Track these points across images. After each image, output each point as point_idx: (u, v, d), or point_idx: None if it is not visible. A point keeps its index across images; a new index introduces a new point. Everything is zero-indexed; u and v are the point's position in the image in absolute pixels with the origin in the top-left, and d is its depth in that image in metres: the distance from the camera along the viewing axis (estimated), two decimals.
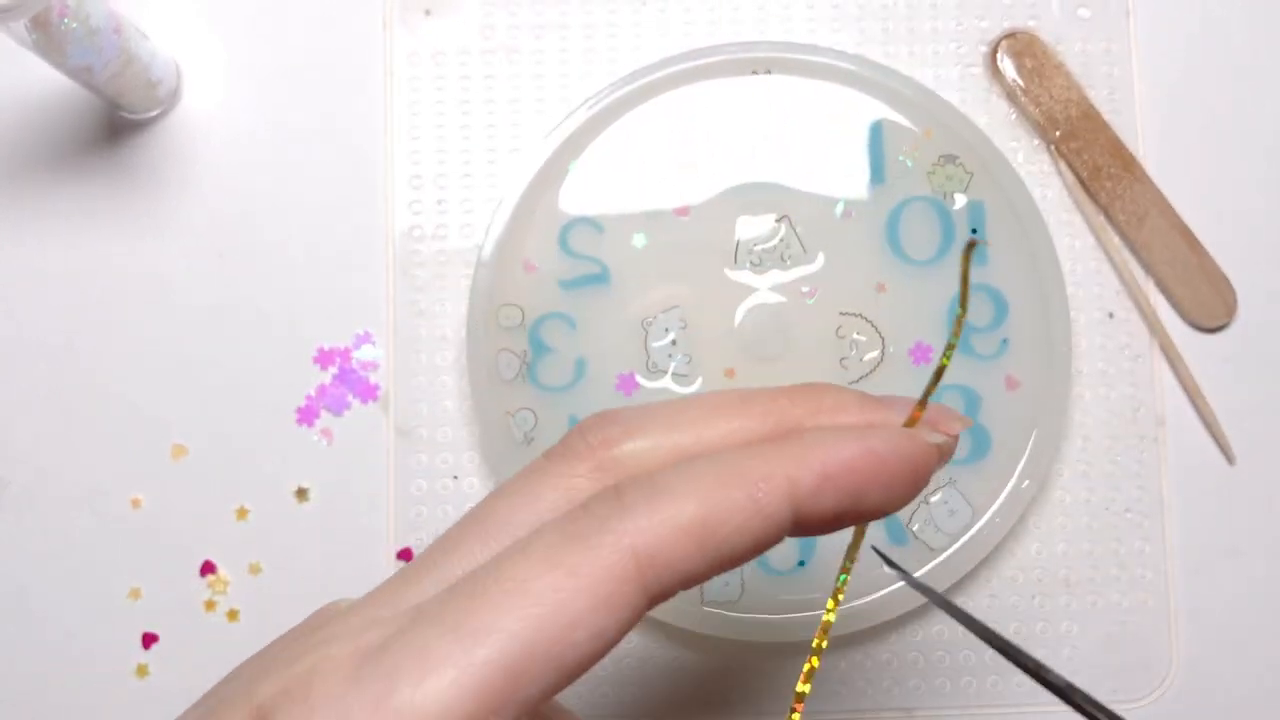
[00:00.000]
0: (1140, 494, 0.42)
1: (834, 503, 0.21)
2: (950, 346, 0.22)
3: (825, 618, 0.23)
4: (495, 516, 0.21)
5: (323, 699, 0.18)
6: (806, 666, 0.22)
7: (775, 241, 0.41)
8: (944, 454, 0.22)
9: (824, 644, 0.22)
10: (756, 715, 0.41)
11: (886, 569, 0.24)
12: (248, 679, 0.20)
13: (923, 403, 0.22)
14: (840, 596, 0.23)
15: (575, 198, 0.41)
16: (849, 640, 0.41)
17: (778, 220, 0.41)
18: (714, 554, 0.20)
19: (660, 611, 0.39)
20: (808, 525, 0.21)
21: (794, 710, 0.22)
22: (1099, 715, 0.21)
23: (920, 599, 0.40)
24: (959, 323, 0.22)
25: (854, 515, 0.21)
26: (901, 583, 0.39)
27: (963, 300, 0.22)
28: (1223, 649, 0.41)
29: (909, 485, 0.21)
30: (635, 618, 0.20)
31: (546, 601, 0.19)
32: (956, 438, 0.23)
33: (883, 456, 0.21)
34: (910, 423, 0.22)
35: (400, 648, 0.19)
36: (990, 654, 0.41)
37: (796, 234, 0.41)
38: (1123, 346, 0.42)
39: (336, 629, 0.20)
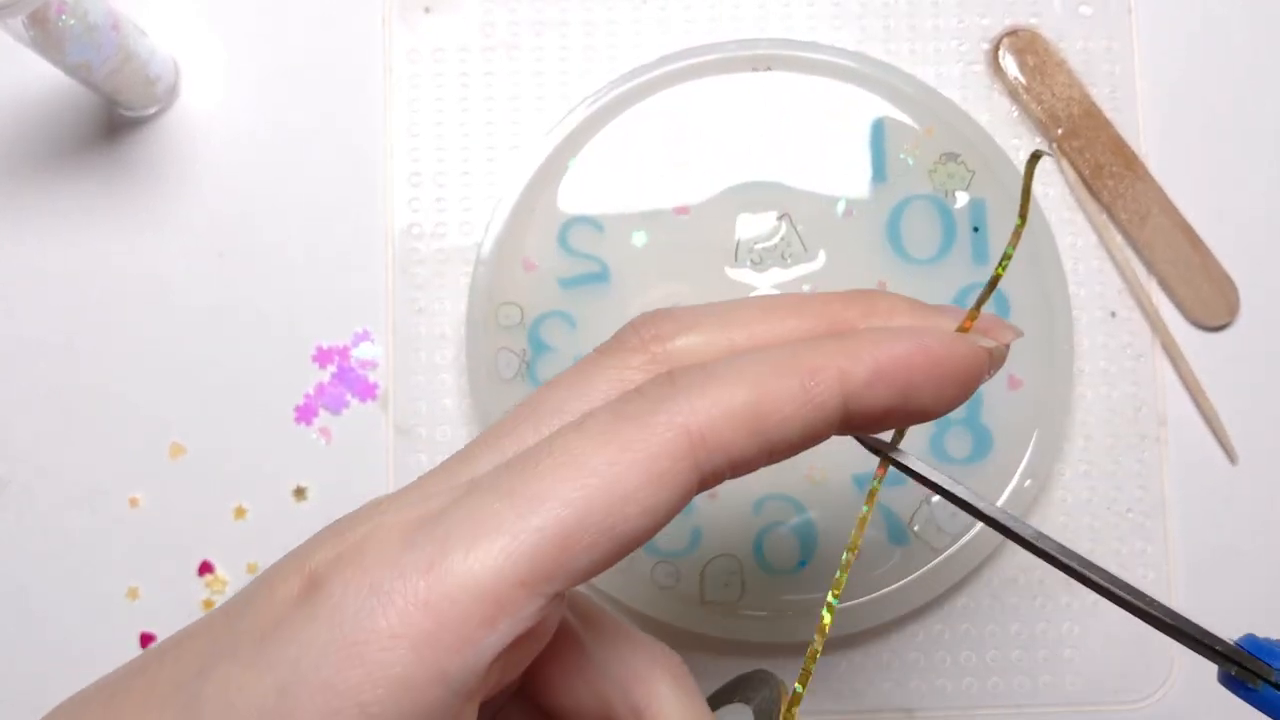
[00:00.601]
0: (1142, 494, 0.41)
1: (885, 398, 0.21)
2: (1006, 257, 0.23)
3: (849, 547, 0.23)
4: (548, 404, 0.21)
5: (376, 562, 0.19)
6: (827, 608, 0.22)
7: (776, 240, 0.41)
8: (995, 361, 0.23)
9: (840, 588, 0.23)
10: None
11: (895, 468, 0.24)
12: (300, 552, 0.20)
13: (975, 310, 0.23)
14: (863, 528, 0.23)
15: (575, 196, 0.41)
16: (849, 641, 0.41)
17: (778, 218, 0.41)
18: (765, 440, 0.20)
19: (660, 611, 0.39)
20: (856, 420, 0.21)
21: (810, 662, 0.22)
22: (1069, 562, 0.22)
23: (920, 599, 0.39)
24: (1017, 234, 0.23)
25: (902, 414, 0.21)
26: (900, 582, 0.39)
27: (1022, 211, 0.23)
28: None
29: (959, 387, 0.22)
30: (686, 497, 0.20)
31: (601, 474, 0.19)
32: (1008, 346, 0.23)
33: (936, 354, 0.21)
34: (962, 330, 0.23)
35: (454, 515, 0.19)
36: (991, 654, 0.41)
37: (797, 232, 0.41)
38: (1125, 345, 0.42)
39: (390, 504, 0.20)
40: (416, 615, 0.18)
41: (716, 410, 0.20)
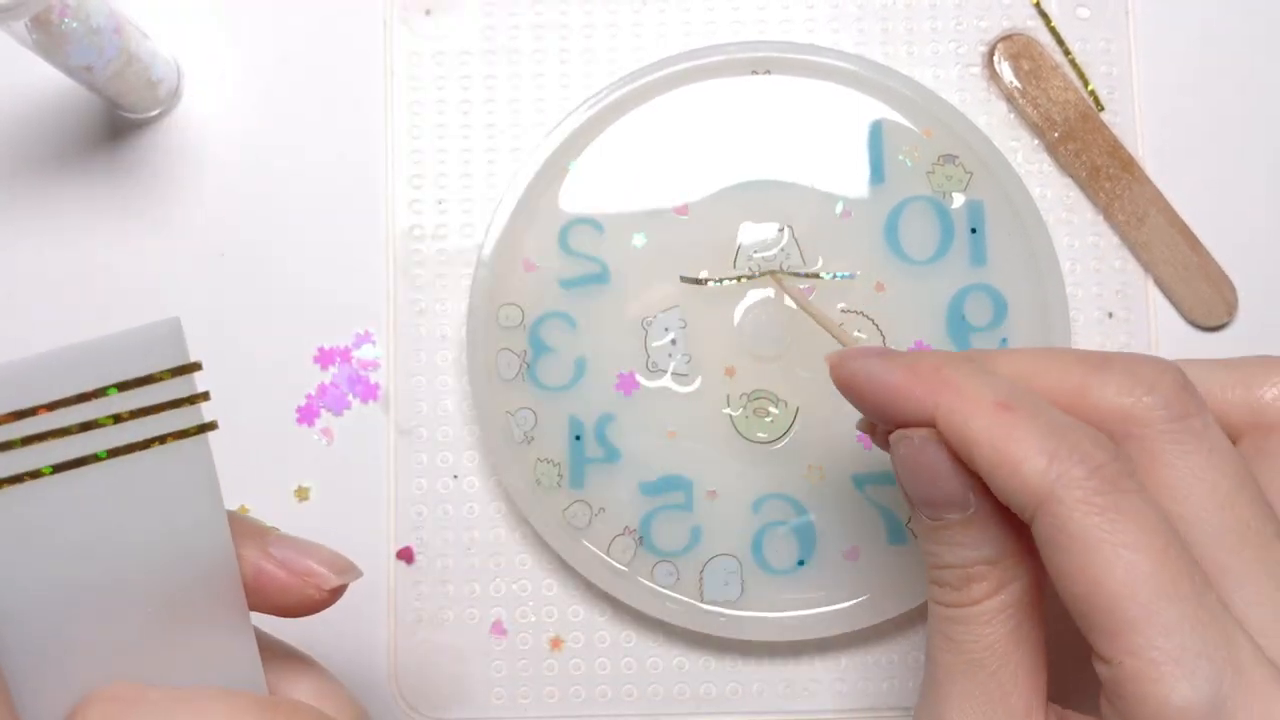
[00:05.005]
0: None
1: None
2: None
3: None
4: None
5: None
6: None
7: (776, 250, 0.41)
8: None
9: None
10: (756, 715, 0.41)
11: None
12: None
13: None
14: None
15: (575, 197, 0.41)
16: (848, 640, 0.41)
17: (779, 230, 0.41)
18: None
19: (660, 611, 0.39)
20: None
21: None
22: None
23: (919, 598, 0.40)
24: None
25: None
26: (899, 582, 0.39)
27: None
28: None
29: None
30: None
31: None
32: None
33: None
34: None
35: None
36: None
37: (797, 242, 0.41)
38: (1122, 346, 0.42)
39: None
40: None
41: None
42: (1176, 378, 0.26)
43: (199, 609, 0.25)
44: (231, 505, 0.42)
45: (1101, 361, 0.27)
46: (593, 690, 0.41)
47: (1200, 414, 0.26)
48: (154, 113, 0.43)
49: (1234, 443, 0.28)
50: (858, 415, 0.40)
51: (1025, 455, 0.25)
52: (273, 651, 0.28)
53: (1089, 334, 0.42)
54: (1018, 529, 0.26)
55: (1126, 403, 0.26)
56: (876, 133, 0.41)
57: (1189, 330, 0.42)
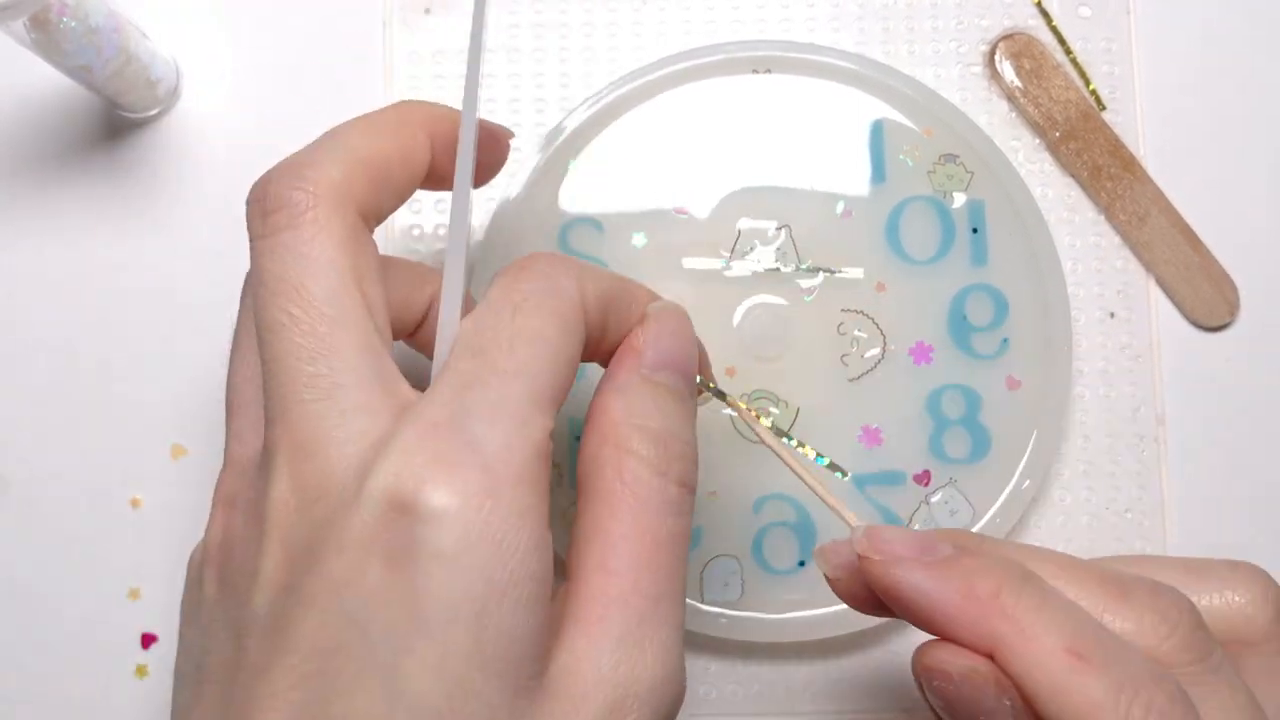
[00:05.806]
0: (1140, 494, 0.42)
1: None
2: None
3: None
4: None
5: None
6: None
7: (774, 247, 0.41)
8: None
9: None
10: (756, 715, 0.41)
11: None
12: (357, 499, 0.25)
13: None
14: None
15: (575, 197, 0.41)
16: (848, 642, 0.41)
17: (778, 229, 0.41)
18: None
19: None
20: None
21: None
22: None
23: None
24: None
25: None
26: None
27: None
28: None
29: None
30: None
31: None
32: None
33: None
34: None
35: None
36: None
37: (794, 243, 0.41)
38: (1123, 346, 0.42)
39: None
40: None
41: None
42: (1193, 615, 0.26)
43: None
44: None
45: (1120, 591, 0.26)
46: None
47: (1214, 648, 0.25)
48: (153, 112, 0.43)
49: None
50: (857, 417, 0.40)
51: (1097, 715, 0.23)
52: None
53: (1090, 334, 0.42)
54: None
55: (1149, 644, 0.25)
56: (877, 132, 0.41)
57: (1190, 330, 0.42)
